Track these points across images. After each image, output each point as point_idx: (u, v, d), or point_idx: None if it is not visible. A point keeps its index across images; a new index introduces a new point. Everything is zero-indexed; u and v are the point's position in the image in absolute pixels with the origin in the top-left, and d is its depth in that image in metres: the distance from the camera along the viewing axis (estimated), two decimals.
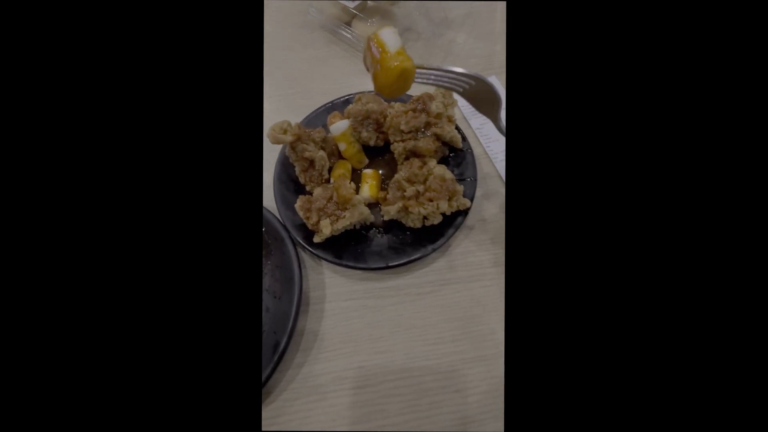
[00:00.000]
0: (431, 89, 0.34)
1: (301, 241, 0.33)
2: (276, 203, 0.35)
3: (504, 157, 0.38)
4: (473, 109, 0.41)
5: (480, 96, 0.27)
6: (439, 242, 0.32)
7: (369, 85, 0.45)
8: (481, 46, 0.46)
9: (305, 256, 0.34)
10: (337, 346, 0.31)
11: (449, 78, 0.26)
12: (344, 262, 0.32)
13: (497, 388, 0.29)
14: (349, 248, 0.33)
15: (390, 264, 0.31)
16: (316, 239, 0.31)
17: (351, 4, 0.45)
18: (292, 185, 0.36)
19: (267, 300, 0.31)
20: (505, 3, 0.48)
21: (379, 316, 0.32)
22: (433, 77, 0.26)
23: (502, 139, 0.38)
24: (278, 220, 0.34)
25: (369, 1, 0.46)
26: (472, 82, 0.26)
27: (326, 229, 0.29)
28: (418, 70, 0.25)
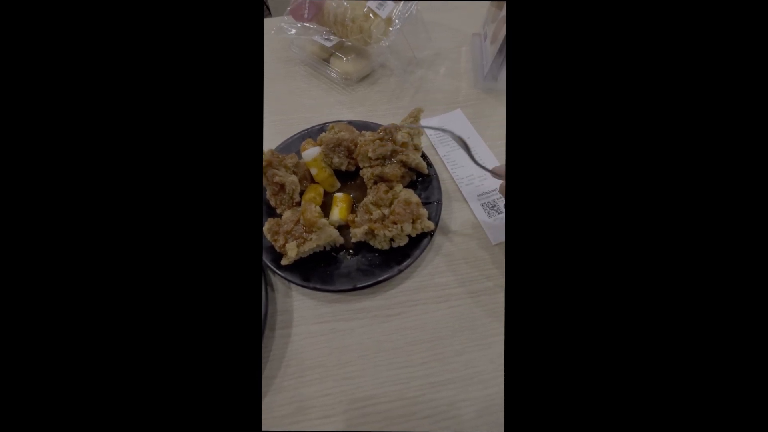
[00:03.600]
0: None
1: (269, 264, 0.33)
2: None
3: (469, 182, 0.40)
4: (440, 137, 0.44)
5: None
6: (405, 263, 0.32)
7: (343, 115, 0.48)
8: (448, 82, 0.51)
9: (275, 279, 0.34)
10: (304, 372, 0.30)
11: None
12: (312, 285, 0.32)
13: (466, 412, 0.28)
14: (317, 271, 0.33)
15: (357, 285, 0.31)
16: (284, 262, 0.31)
17: (329, 43, 0.49)
18: (263, 208, 0.37)
19: None
20: (466, 48, 0.54)
21: (347, 340, 0.31)
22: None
23: (468, 166, 0.41)
24: None
25: (345, 41, 0.50)
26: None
27: (292, 251, 0.30)
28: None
